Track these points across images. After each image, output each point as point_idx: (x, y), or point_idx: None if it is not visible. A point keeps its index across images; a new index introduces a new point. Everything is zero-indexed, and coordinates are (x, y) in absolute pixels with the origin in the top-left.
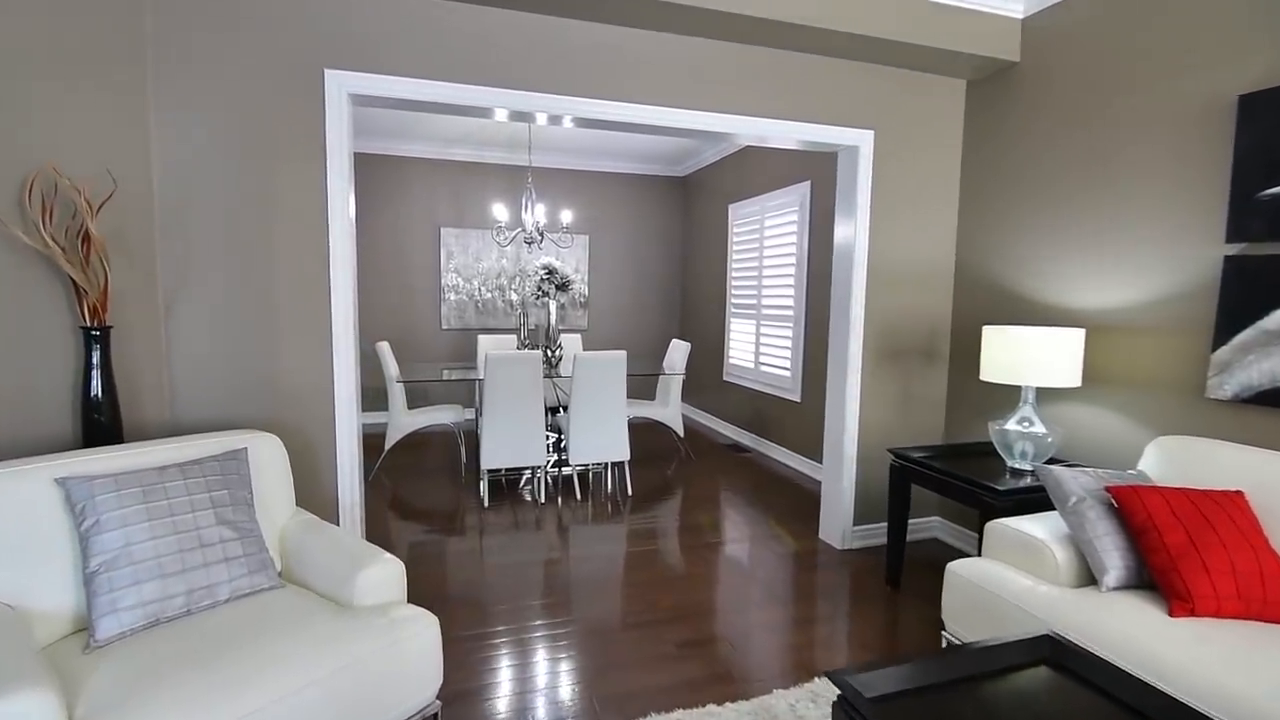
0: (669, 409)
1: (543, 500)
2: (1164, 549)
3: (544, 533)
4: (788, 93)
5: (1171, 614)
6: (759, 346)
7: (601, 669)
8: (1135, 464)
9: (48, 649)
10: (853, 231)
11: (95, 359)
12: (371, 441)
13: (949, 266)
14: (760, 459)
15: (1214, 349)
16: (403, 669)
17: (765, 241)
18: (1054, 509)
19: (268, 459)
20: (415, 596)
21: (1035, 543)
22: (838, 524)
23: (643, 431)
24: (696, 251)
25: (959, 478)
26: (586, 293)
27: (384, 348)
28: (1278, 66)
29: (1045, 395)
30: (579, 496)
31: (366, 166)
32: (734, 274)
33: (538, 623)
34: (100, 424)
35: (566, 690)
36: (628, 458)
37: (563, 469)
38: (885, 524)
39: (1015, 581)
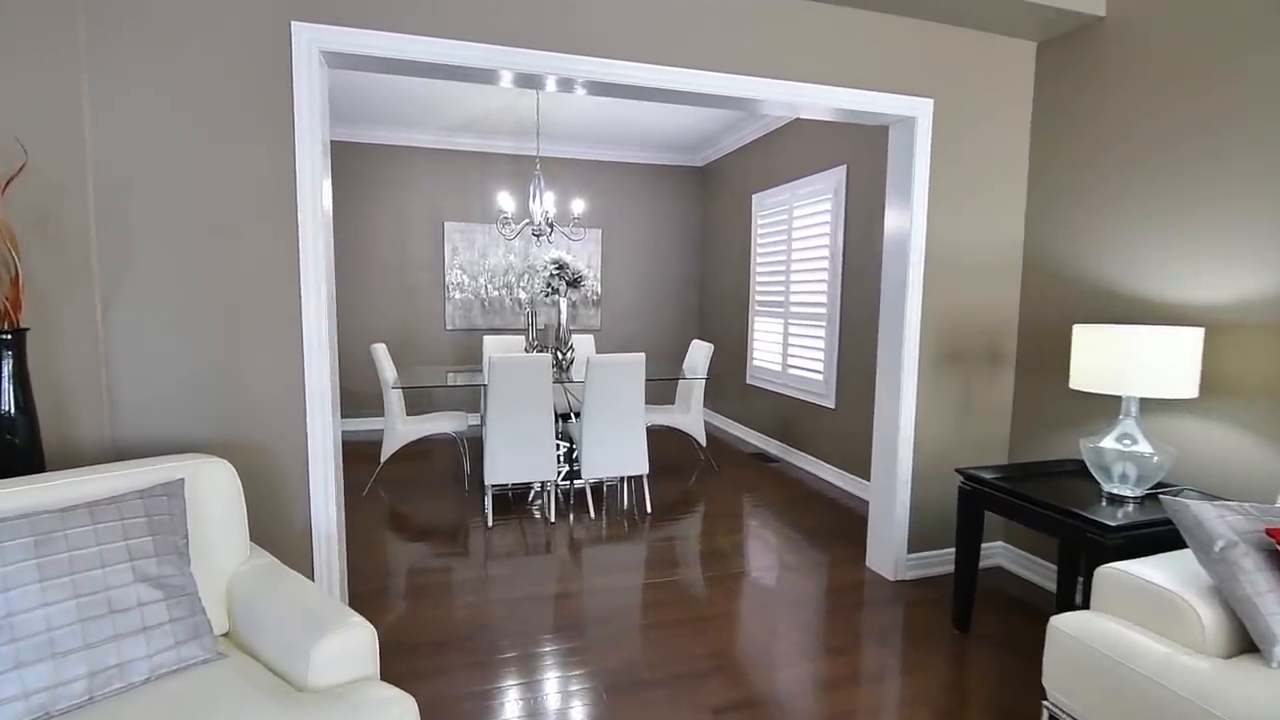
0: (690, 416)
1: (552, 519)
2: None
3: (554, 557)
4: (834, 54)
5: None
6: (787, 347)
7: None
8: (1276, 497)
9: None
10: (907, 218)
11: (4, 369)
12: (370, 450)
13: (1015, 256)
14: (790, 470)
15: None
16: None
17: (794, 233)
18: (1178, 547)
19: (214, 491)
20: (406, 639)
21: (1171, 598)
22: (889, 551)
23: (660, 438)
24: (717, 246)
25: (1054, 508)
26: (599, 290)
27: (380, 350)
28: None
29: (1149, 407)
30: (592, 513)
31: (364, 157)
32: (758, 269)
33: (548, 677)
34: (11, 447)
35: None
36: (646, 471)
37: (574, 481)
38: (943, 551)
39: (1148, 649)
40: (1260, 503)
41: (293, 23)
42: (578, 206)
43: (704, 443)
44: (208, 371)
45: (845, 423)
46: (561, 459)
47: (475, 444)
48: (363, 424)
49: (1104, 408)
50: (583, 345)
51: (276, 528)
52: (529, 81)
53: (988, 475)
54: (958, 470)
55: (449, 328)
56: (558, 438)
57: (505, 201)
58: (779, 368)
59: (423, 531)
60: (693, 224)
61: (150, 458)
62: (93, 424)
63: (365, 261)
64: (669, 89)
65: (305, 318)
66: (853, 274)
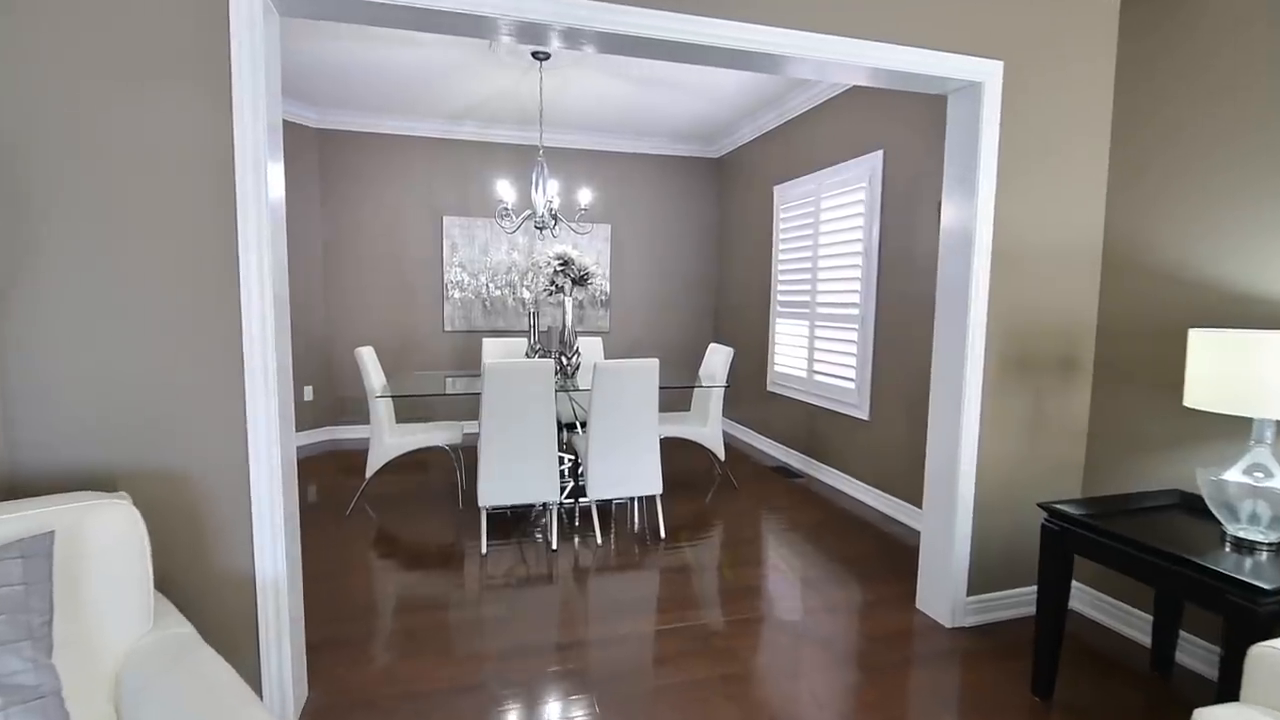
0: (707, 427)
1: (555, 545)
2: None
3: (556, 592)
4: (885, 2)
5: None
6: (813, 352)
7: None
8: None
9: None
10: (971, 204)
11: None
12: (365, 460)
13: (1094, 245)
14: (816, 486)
15: None
16: None
17: (822, 227)
18: None
19: (106, 543)
20: (379, 702)
21: None
22: (945, 592)
23: (672, 449)
24: (734, 242)
25: (1178, 560)
26: (608, 289)
27: (366, 354)
28: None
29: None
30: (599, 538)
31: (355, 147)
32: (781, 266)
33: None
34: None
35: None
36: (660, 491)
37: (580, 499)
38: (1010, 593)
39: None
40: None
41: None
42: (584, 197)
43: (723, 457)
44: (123, 383)
45: (880, 436)
46: (566, 473)
47: (472, 455)
48: (359, 431)
49: (1217, 429)
50: (590, 348)
51: (207, 579)
52: (529, 34)
53: (1077, 512)
54: (1041, 505)
55: (448, 329)
56: (561, 449)
57: (505, 190)
58: (804, 374)
59: (410, 558)
60: (708, 219)
61: (13, 501)
62: None
63: (358, 259)
64: (687, 42)
65: (246, 322)
66: (890, 270)
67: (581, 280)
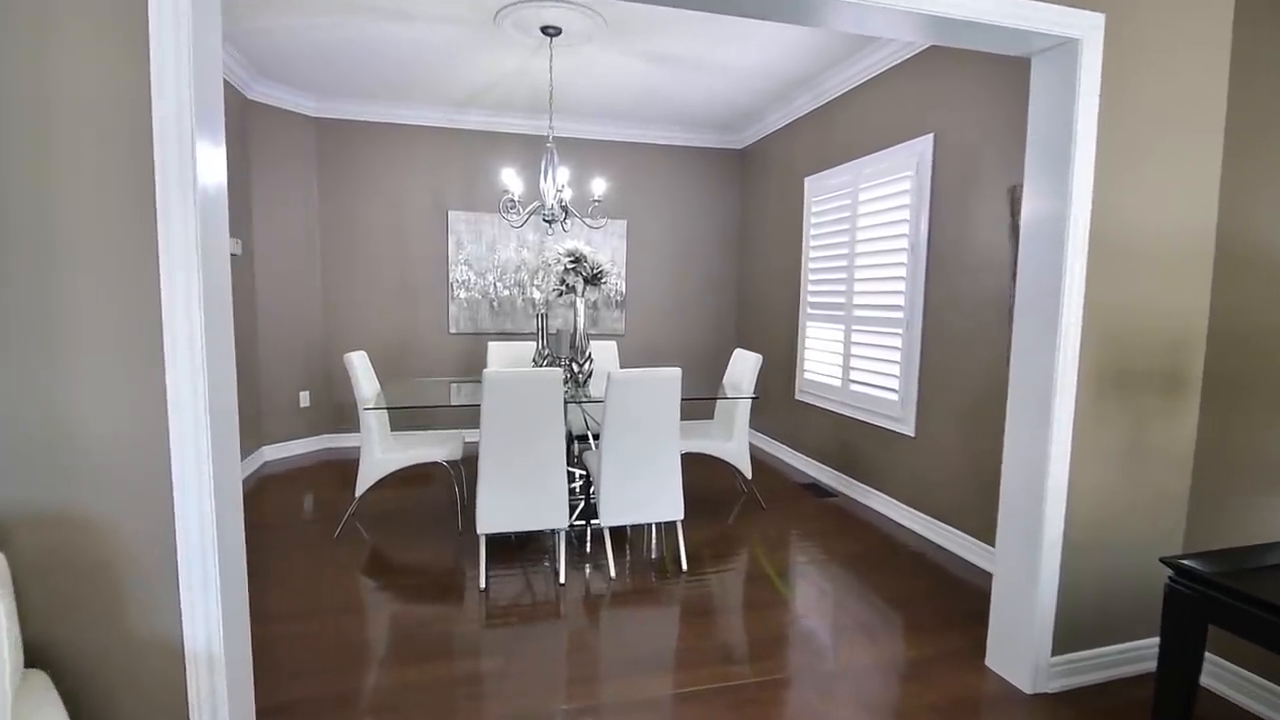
0: (733, 443)
1: (563, 579)
2: None
3: (562, 639)
4: None
5: None
6: (849, 359)
7: None
8: None
9: None
10: (1063, 190)
11: None
12: (350, 469)
13: (1206, 238)
14: (853, 507)
15: None
16: None
17: (859, 221)
18: None
19: None
20: None
21: None
22: (1025, 650)
23: (692, 461)
24: (760, 238)
25: None
26: (624, 289)
27: (357, 360)
28: None
29: None
30: (613, 570)
31: (355, 136)
32: (812, 264)
33: None
34: None
35: None
36: (681, 517)
37: (591, 520)
38: (1102, 652)
39: None
40: None
41: None
42: (598, 187)
43: (749, 475)
44: (18, 406)
45: (928, 455)
46: (577, 490)
47: (476, 467)
48: (359, 440)
49: None
50: (604, 353)
51: (125, 647)
52: None
53: (1211, 570)
54: (1164, 561)
55: (453, 331)
56: (570, 464)
57: (510, 180)
58: (838, 383)
59: (399, 591)
60: (732, 214)
61: None
62: None
63: (359, 256)
64: None
65: (168, 320)
66: (940, 267)
67: (595, 279)
